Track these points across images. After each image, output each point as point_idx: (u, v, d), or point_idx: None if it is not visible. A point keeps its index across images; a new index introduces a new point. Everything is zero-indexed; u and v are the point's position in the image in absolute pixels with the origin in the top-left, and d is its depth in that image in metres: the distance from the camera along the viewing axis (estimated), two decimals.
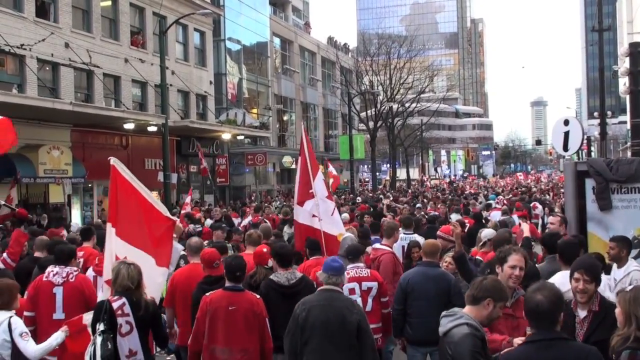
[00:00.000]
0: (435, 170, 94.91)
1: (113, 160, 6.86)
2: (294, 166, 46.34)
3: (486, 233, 9.56)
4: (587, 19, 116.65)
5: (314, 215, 8.98)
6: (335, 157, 54.40)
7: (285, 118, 49.10)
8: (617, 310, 4.26)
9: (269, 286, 6.78)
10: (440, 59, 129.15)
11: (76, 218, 24.65)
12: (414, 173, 79.46)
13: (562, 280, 5.64)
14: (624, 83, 25.37)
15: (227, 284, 6.19)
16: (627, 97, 24.14)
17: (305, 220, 9.13)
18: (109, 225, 6.66)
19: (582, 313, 5.14)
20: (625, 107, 50.00)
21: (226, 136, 33.12)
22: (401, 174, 69.68)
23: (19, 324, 6.09)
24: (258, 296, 6.26)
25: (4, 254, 7.95)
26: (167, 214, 6.83)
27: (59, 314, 6.83)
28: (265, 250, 7.37)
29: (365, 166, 73.01)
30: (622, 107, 69.60)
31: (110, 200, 6.82)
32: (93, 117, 23.81)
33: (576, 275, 5.15)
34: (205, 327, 6.05)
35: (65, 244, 8.35)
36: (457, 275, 7.52)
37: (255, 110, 43.27)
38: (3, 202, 14.86)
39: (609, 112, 39.84)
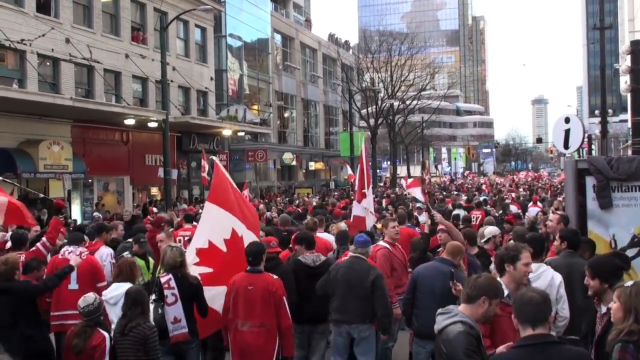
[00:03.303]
0: (436, 167, 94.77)
1: (215, 158, 8.42)
2: (294, 163, 46.36)
3: (489, 230, 9.55)
4: (589, 16, 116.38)
5: (367, 210, 11.79)
6: (335, 154, 54.39)
7: (286, 115, 49.06)
8: (616, 306, 4.24)
9: (297, 265, 8.05)
10: (442, 57, 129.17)
11: (76, 214, 24.65)
12: (415, 170, 79.39)
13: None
14: (625, 81, 25.32)
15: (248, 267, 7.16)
16: (628, 95, 24.10)
17: (362, 214, 11.72)
18: (212, 205, 7.80)
19: (603, 308, 5.20)
20: (626, 106, 49.91)
21: (227, 132, 33.10)
22: (402, 171, 69.61)
23: None
24: (275, 277, 7.12)
25: (43, 238, 8.98)
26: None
27: (73, 285, 8.20)
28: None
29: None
30: (623, 105, 69.55)
31: (214, 185, 8.03)
32: (93, 112, 23.79)
33: (586, 272, 5.32)
34: (230, 304, 7.05)
35: (77, 230, 10.74)
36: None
37: (255, 107, 43.23)
38: (42, 195, 15.65)
39: (610, 110, 39.79)
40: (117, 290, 7.21)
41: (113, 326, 7.06)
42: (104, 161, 26.41)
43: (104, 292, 7.35)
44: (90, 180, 26.41)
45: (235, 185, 8.11)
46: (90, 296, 6.41)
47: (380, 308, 7.46)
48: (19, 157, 21.57)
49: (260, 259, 7.10)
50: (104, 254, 9.52)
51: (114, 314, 7.01)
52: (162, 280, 6.98)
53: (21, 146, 22.43)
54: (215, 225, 7.64)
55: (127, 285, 7.09)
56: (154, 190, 31.07)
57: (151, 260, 9.55)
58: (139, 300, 6.26)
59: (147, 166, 29.11)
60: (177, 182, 29.88)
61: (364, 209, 11.78)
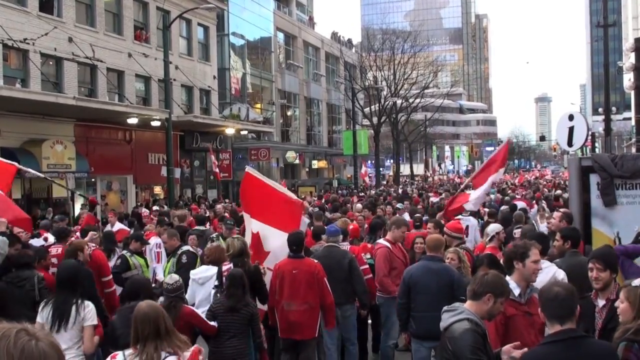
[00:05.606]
0: (439, 165, 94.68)
1: (248, 168, 9.32)
2: (297, 161, 46.31)
3: (492, 228, 9.50)
4: (593, 14, 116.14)
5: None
6: (338, 152, 54.36)
7: (289, 113, 49.00)
8: (624, 305, 4.21)
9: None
10: (445, 55, 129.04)
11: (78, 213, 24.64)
12: (418, 169, 79.34)
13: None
14: (628, 79, 25.25)
15: (290, 253, 7.97)
16: (632, 93, 24.07)
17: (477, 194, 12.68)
18: (245, 214, 9.02)
19: (600, 302, 5.17)
20: (630, 103, 49.81)
21: (229, 131, 33.09)
22: (405, 169, 69.59)
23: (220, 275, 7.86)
24: (316, 261, 8.01)
25: (77, 233, 10.17)
26: (295, 197, 9.33)
27: None
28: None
29: (369, 162, 73.01)
30: (626, 103, 69.43)
31: (242, 196, 9.33)
32: (96, 111, 23.79)
33: (590, 264, 5.24)
34: (276, 287, 7.85)
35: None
36: (461, 270, 7.53)
37: (258, 105, 43.21)
38: (78, 192, 15.86)
39: (613, 108, 39.71)
40: (206, 272, 8.03)
41: (197, 303, 7.94)
42: (107, 160, 26.41)
43: (192, 272, 8.18)
44: (93, 180, 26.42)
45: (269, 184, 9.05)
46: (174, 276, 7.14)
47: (359, 286, 8.40)
48: (22, 157, 21.53)
49: (302, 246, 8.02)
50: (153, 243, 10.73)
51: (201, 293, 7.85)
52: (223, 268, 7.68)
53: (24, 146, 22.43)
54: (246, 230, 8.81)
55: (214, 269, 7.87)
56: (157, 189, 31.07)
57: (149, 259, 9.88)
58: (242, 281, 6.89)
59: (150, 165, 29.12)
60: (180, 181, 29.87)
61: (477, 196, 12.23)
